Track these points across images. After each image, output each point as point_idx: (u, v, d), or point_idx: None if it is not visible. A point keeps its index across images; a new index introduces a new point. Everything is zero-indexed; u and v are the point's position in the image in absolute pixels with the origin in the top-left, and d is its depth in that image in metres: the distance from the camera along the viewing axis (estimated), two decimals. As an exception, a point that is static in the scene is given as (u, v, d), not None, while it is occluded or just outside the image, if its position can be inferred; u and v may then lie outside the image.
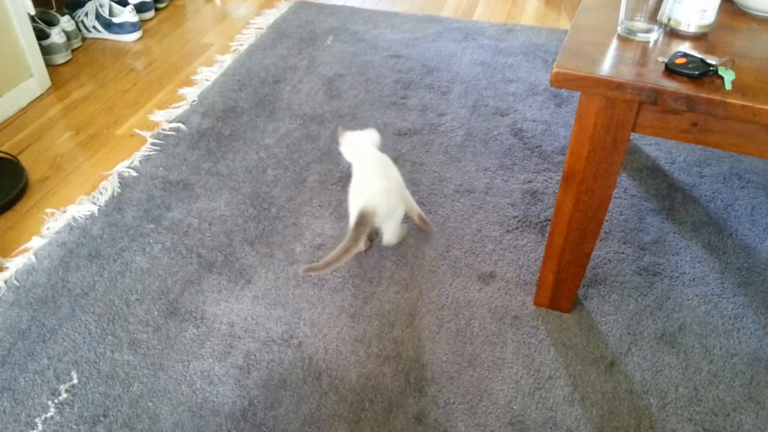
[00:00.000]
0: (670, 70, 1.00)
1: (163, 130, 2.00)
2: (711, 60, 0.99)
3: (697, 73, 0.98)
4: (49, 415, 1.22)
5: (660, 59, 1.03)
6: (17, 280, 1.50)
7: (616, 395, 1.26)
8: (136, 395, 1.26)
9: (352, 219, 1.40)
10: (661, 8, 1.07)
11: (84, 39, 2.54)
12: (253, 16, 2.72)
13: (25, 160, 1.88)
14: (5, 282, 1.50)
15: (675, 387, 1.27)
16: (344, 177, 1.79)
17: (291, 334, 1.37)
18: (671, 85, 0.98)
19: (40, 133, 2.01)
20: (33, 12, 2.17)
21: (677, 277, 1.49)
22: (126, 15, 2.49)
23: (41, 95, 2.19)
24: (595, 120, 1.08)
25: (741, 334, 1.36)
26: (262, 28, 2.59)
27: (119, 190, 1.76)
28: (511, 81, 2.20)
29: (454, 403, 1.24)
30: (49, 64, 2.28)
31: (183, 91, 2.21)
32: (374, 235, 1.57)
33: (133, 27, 2.53)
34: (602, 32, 1.13)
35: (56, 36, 2.31)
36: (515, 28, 2.55)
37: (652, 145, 1.89)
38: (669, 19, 1.13)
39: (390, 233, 1.51)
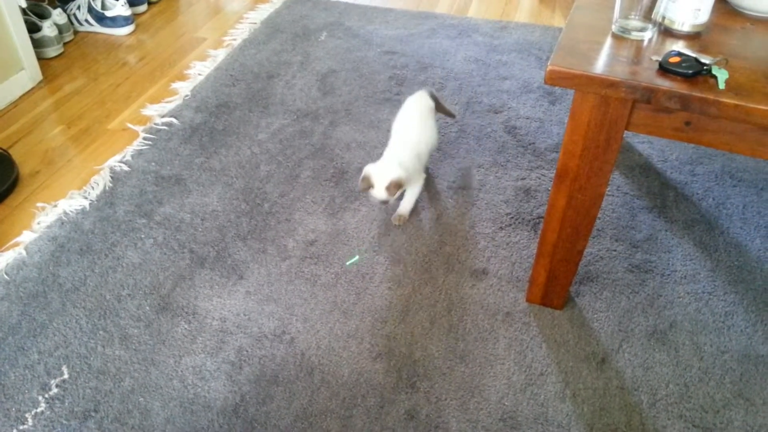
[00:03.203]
0: (664, 69, 1.00)
1: (155, 124, 1.99)
2: (705, 59, 0.99)
3: (690, 72, 0.98)
4: (39, 410, 1.22)
5: (654, 58, 1.03)
6: (7, 275, 1.49)
7: (607, 392, 1.26)
8: (128, 390, 1.25)
9: None
10: (656, 7, 1.08)
11: (76, 32, 2.52)
12: (246, 10, 2.71)
13: (16, 154, 1.87)
14: (-5, 276, 1.49)
15: (665, 384, 1.28)
16: (337, 173, 1.79)
17: (283, 329, 1.37)
18: (665, 83, 0.98)
19: (32, 127, 2.00)
20: (24, 4, 2.15)
21: (668, 274, 1.50)
22: (119, 8, 2.48)
23: (32, 89, 2.17)
24: (588, 118, 1.08)
25: (731, 332, 1.37)
26: (255, 23, 2.58)
27: (111, 185, 1.75)
28: (505, 78, 2.20)
29: (446, 399, 1.24)
30: (40, 58, 2.26)
31: (176, 85, 2.20)
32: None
33: (126, 21, 2.51)
34: (597, 30, 1.13)
35: (48, 29, 2.29)
36: (509, 26, 2.55)
37: (645, 143, 1.90)
38: (663, 18, 1.13)
39: None
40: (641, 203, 1.69)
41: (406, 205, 1.64)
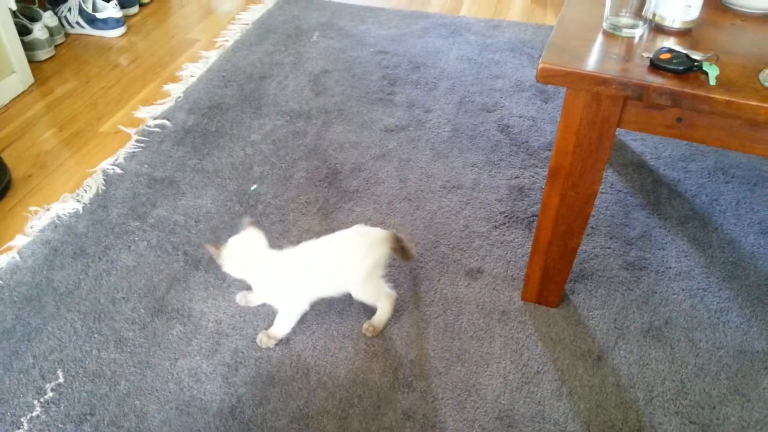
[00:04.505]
0: (655, 66, 1.00)
1: (147, 126, 1.98)
2: (695, 55, 1.00)
3: (681, 68, 0.99)
4: (35, 414, 1.21)
5: (645, 55, 1.04)
6: (1, 279, 1.48)
7: (603, 389, 1.26)
8: (123, 393, 1.25)
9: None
10: (646, 4, 1.08)
11: (67, 35, 2.51)
12: (238, 11, 2.71)
13: (7, 158, 1.86)
14: (-11, 281, 1.48)
15: (662, 380, 1.28)
16: (330, 173, 1.78)
17: (279, 331, 1.37)
18: (656, 80, 0.98)
19: (23, 131, 1.99)
20: (14, 7, 2.14)
21: (663, 271, 1.50)
22: (110, 10, 2.47)
23: (24, 92, 2.16)
24: (580, 115, 1.08)
25: (726, 328, 1.38)
26: (247, 24, 2.58)
27: (104, 188, 1.74)
28: (498, 77, 2.21)
29: (442, 399, 1.24)
30: (31, 61, 2.25)
31: (168, 87, 2.19)
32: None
33: (117, 22, 2.50)
34: (588, 28, 1.13)
35: (39, 32, 2.28)
36: (502, 24, 2.55)
37: (637, 141, 1.90)
38: (654, 15, 1.13)
39: None
40: (635, 200, 1.70)
41: (274, 328, 1.34)
